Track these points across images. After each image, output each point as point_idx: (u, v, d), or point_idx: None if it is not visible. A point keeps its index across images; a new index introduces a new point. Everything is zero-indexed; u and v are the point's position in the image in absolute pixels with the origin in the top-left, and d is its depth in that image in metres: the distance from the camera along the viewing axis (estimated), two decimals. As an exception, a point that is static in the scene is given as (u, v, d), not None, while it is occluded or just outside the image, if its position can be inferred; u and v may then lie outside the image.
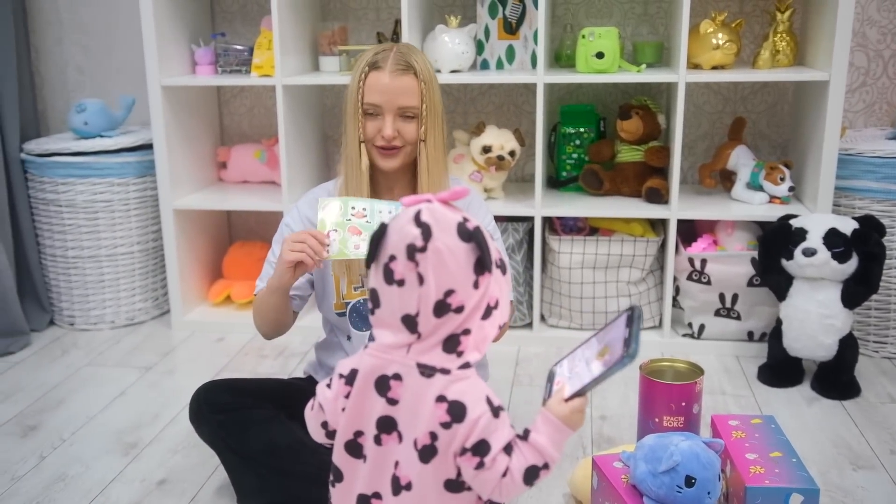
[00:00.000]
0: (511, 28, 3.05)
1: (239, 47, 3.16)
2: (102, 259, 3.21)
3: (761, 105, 3.21)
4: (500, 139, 2.94)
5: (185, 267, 3.25)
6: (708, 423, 2.12)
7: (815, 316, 2.58)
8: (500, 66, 3.09)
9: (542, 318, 3.10)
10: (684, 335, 3.00)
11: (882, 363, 2.82)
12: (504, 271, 1.29)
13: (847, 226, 2.57)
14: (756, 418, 1.97)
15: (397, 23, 3.09)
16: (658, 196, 2.92)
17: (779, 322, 2.70)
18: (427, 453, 1.24)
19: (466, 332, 1.25)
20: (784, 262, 2.63)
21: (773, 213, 2.82)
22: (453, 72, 2.91)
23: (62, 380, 2.81)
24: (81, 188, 3.12)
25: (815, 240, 2.55)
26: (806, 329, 2.60)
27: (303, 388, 2.04)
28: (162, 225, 3.18)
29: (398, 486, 1.28)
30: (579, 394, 1.27)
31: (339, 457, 1.34)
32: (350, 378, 1.31)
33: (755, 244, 2.86)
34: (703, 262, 2.86)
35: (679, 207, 2.87)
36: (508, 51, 3.07)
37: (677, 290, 2.98)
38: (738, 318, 2.90)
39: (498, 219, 2.91)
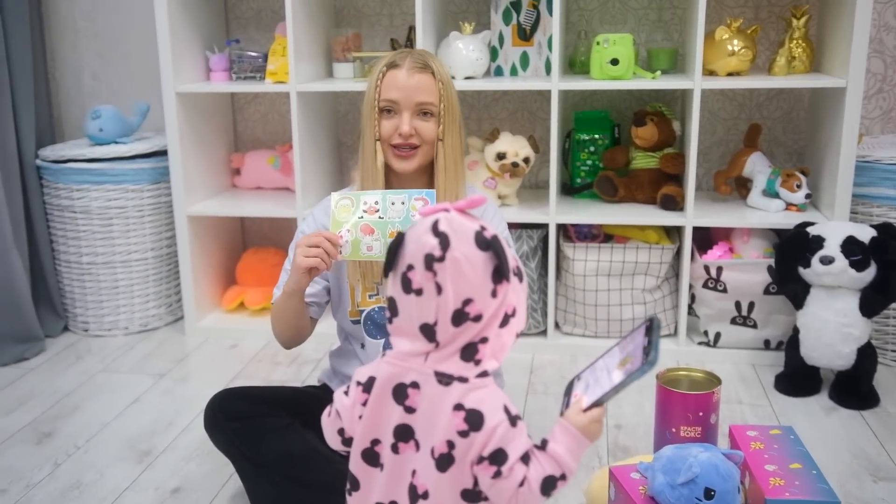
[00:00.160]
0: (525, 34, 3.04)
1: (253, 54, 3.17)
2: (117, 265, 3.21)
3: (777, 111, 3.19)
4: (514, 146, 2.94)
5: (199, 273, 3.25)
6: (725, 434, 2.10)
7: (832, 325, 2.56)
8: (514, 72, 3.08)
9: (557, 325, 3.08)
10: (700, 343, 2.98)
11: (900, 372, 2.80)
12: (521, 279, 1.28)
13: (865, 234, 2.54)
14: (775, 429, 1.95)
15: (411, 29, 3.09)
16: (673, 203, 2.90)
17: (796, 331, 2.68)
18: (444, 462, 1.24)
19: (484, 340, 1.24)
20: (801, 270, 2.61)
21: (789, 220, 2.80)
22: (467, 78, 2.91)
23: (76, 386, 2.81)
24: (96, 194, 3.13)
25: (832, 248, 2.53)
26: (823, 338, 2.58)
27: (317, 397, 2.04)
28: (176, 231, 3.18)
29: (415, 495, 1.27)
30: (598, 403, 1.27)
31: (356, 465, 1.34)
32: (368, 386, 1.31)
33: (771, 252, 2.84)
34: (719, 269, 2.84)
35: (694, 214, 2.85)
36: (522, 57, 3.06)
37: (693, 297, 2.96)
38: (755, 326, 2.88)
39: (512, 226, 2.91)
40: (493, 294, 1.22)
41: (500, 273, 1.22)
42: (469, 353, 1.24)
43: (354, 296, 2.05)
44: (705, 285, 2.88)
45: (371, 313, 2.05)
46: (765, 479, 1.74)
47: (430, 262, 1.20)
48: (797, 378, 2.67)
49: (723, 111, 3.22)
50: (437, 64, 1.98)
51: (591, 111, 3.21)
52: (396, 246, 1.26)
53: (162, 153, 3.22)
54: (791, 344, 2.70)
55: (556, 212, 2.91)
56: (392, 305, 1.27)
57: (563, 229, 3.05)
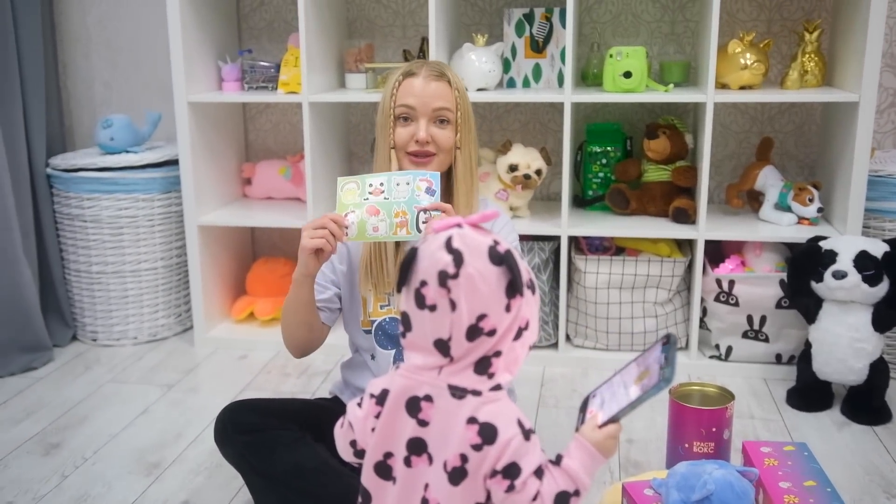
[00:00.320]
0: (538, 46, 3.04)
1: (265, 64, 3.17)
2: (126, 275, 3.21)
3: (789, 125, 3.18)
4: (526, 158, 2.93)
5: (209, 283, 3.25)
6: (738, 449, 2.09)
7: (845, 339, 2.54)
8: (526, 84, 3.08)
9: (568, 338, 3.07)
10: (711, 357, 2.97)
11: (913, 388, 2.78)
12: (534, 291, 1.27)
13: (878, 248, 2.53)
14: (789, 445, 1.93)
15: (424, 40, 3.09)
16: (685, 216, 2.89)
17: (808, 345, 2.66)
18: (457, 475, 1.23)
19: (497, 353, 1.23)
20: (814, 284, 2.60)
21: (801, 234, 2.79)
22: (480, 90, 2.90)
23: (85, 396, 2.81)
24: (107, 203, 3.13)
25: (845, 262, 2.52)
26: (836, 353, 2.56)
27: (329, 409, 2.02)
28: (186, 241, 3.17)
29: (428, 509, 1.26)
30: (614, 420, 1.26)
31: (368, 478, 1.33)
32: (381, 398, 1.30)
33: (783, 266, 2.83)
34: (731, 283, 2.83)
35: (706, 228, 2.84)
36: (535, 69, 3.06)
37: (704, 311, 2.95)
38: (767, 340, 2.86)
39: (524, 238, 2.90)
40: (507, 308, 1.22)
41: (513, 287, 1.21)
42: (483, 366, 1.23)
43: (366, 306, 2.05)
44: (717, 299, 2.87)
45: (382, 324, 2.05)
46: (779, 496, 1.72)
47: (443, 278, 1.20)
48: (809, 393, 2.66)
49: (735, 124, 3.21)
50: (452, 73, 1.99)
51: (603, 123, 3.20)
52: (409, 261, 1.25)
53: (173, 163, 3.21)
54: (803, 358, 2.69)
55: (568, 224, 2.90)
56: (406, 320, 1.26)
57: (574, 242, 3.04)
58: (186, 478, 2.29)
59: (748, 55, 2.79)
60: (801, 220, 2.89)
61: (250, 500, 2.01)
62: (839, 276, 2.51)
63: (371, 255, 1.99)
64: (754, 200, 3.07)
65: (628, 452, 2.39)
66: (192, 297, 3.22)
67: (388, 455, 1.30)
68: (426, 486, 1.26)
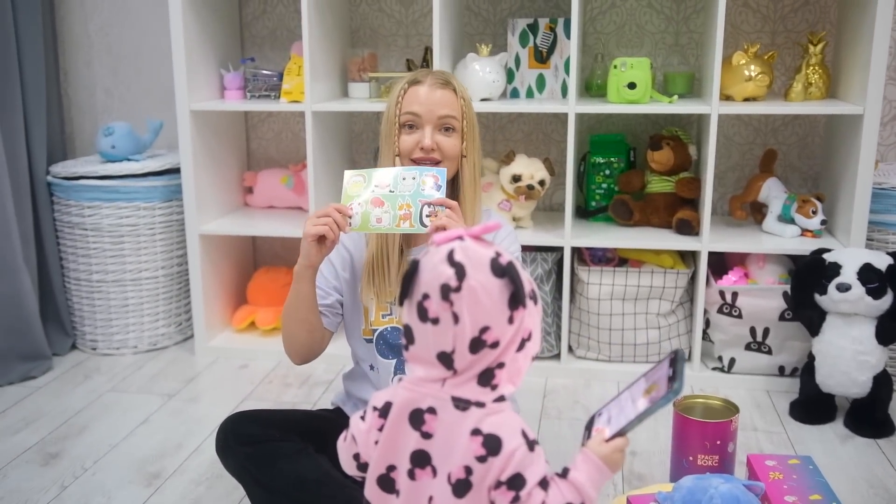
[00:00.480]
0: (542, 57, 3.04)
1: (268, 73, 3.16)
2: (126, 283, 3.19)
3: (792, 137, 3.18)
4: (529, 168, 2.92)
5: (210, 292, 3.24)
6: (743, 462, 2.07)
7: (848, 352, 2.53)
8: (530, 94, 3.08)
9: (570, 349, 3.06)
10: (714, 369, 2.95)
11: (917, 401, 2.77)
12: (536, 301, 1.26)
13: (882, 261, 2.52)
14: (793, 458, 1.93)
15: (427, 50, 3.09)
16: (688, 227, 2.89)
17: (811, 357, 2.65)
18: (461, 487, 1.22)
19: (501, 365, 1.23)
20: (817, 296, 2.59)
21: (805, 246, 2.78)
22: (484, 100, 2.90)
23: (84, 406, 2.79)
24: (107, 211, 3.12)
25: (849, 275, 2.51)
26: (839, 365, 2.55)
27: (331, 420, 2.01)
28: (187, 250, 3.16)
29: (432, 522, 1.25)
30: (621, 433, 1.25)
31: (372, 492, 1.31)
32: (384, 411, 1.29)
33: (787, 278, 2.82)
34: (734, 295, 2.82)
35: (710, 239, 2.83)
36: (539, 80, 3.05)
37: (707, 322, 2.94)
38: (770, 352, 2.85)
39: (526, 248, 2.90)
40: (510, 320, 1.21)
41: (516, 299, 1.21)
42: (486, 378, 1.23)
43: (368, 315, 2.03)
44: (720, 310, 2.86)
45: (384, 333, 2.03)
46: (785, 510, 1.71)
47: (446, 292, 1.19)
48: (812, 405, 2.65)
49: (738, 136, 3.21)
50: (457, 82, 1.98)
51: (606, 134, 3.20)
52: (411, 274, 1.24)
53: (174, 171, 3.21)
54: (806, 371, 2.68)
55: (571, 235, 2.89)
56: (408, 333, 1.25)
57: (577, 253, 3.03)
58: (187, 488, 2.27)
59: (752, 67, 2.79)
60: (804, 232, 2.88)
61: (251, 511, 2.00)
62: (843, 288, 2.50)
63: (374, 263, 1.98)
64: (758, 212, 3.06)
65: (632, 465, 2.37)
66: (192, 306, 3.20)
67: (392, 468, 1.29)
68: (430, 498, 1.25)
